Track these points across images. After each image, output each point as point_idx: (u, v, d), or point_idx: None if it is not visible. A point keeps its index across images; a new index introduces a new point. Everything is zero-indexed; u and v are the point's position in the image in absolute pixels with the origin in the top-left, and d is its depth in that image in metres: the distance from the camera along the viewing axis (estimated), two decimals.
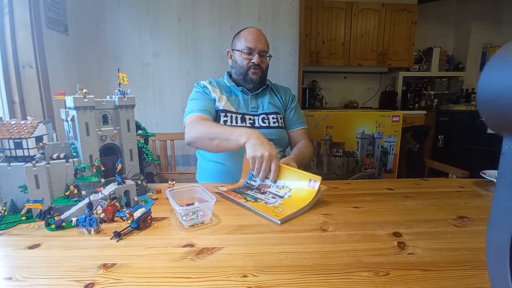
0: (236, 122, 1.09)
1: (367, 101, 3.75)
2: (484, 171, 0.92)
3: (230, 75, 1.22)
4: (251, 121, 1.12)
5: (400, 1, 3.24)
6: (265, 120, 1.12)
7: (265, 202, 0.73)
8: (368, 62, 3.33)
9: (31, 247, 0.52)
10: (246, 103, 1.15)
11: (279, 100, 1.20)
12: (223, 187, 0.84)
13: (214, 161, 1.11)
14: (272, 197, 0.75)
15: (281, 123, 1.15)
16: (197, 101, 1.11)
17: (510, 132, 0.22)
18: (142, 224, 0.59)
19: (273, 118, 1.13)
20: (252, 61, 1.11)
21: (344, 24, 3.22)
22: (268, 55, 1.16)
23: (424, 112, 3.20)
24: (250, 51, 1.11)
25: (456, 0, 3.57)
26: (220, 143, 0.93)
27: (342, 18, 3.21)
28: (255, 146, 0.81)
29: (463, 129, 3.08)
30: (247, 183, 0.87)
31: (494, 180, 0.64)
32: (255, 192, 0.80)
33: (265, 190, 0.80)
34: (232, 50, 1.18)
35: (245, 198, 0.75)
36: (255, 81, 1.14)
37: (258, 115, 1.14)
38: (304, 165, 1.06)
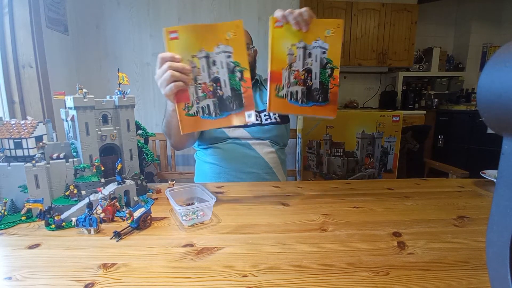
0: None
1: (367, 101, 3.76)
2: (484, 171, 0.92)
3: None
4: None
5: (400, 1, 3.24)
6: (257, 118, 1.11)
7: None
8: (368, 62, 3.33)
9: (31, 247, 0.52)
10: None
11: None
12: None
13: (210, 162, 1.10)
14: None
15: (275, 118, 1.12)
16: None
17: (510, 132, 0.22)
18: (142, 224, 0.59)
19: (264, 115, 1.12)
20: None
21: (344, 24, 3.21)
22: (251, 47, 1.11)
23: (424, 112, 3.20)
24: None
25: (456, 0, 3.57)
26: (168, 121, 0.86)
27: (342, 18, 3.21)
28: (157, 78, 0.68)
29: (463, 129, 3.08)
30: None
31: (494, 180, 0.64)
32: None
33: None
34: None
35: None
36: None
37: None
38: None
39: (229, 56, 0.64)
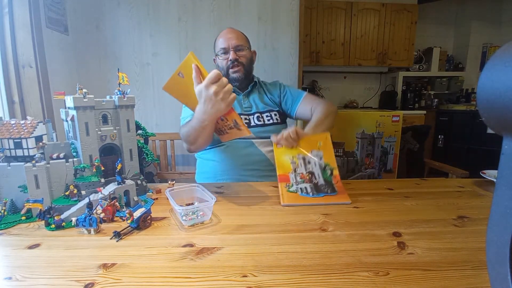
0: None
1: (367, 101, 3.76)
2: (484, 171, 0.92)
3: None
4: (247, 121, 1.14)
5: (400, 1, 3.24)
6: (260, 119, 1.14)
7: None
8: (368, 62, 3.33)
9: (31, 247, 0.52)
10: (239, 103, 1.17)
11: (270, 99, 1.21)
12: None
13: (213, 160, 1.12)
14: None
15: (276, 119, 1.16)
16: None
17: (510, 132, 0.22)
18: (142, 224, 0.59)
19: (267, 116, 1.15)
20: (229, 59, 1.11)
21: (344, 24, 3.22)
22: (246, 48, 1.15)
23: (424, 112, 3.20)
24: (225, 51, 1.12)
25: (456, 0, 3.57)
26: (195, 134, 0.89)
27: (342, 18, 3.21)
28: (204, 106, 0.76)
29: (463, 129, 3.08)
30: None
31: (494, 180, 0.64)
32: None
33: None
34: (216, 56, 1.20)
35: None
36: (239, 79, 1.15)
37: (253, 114, 1.15)
38: (330, 127, 1.05)
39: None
